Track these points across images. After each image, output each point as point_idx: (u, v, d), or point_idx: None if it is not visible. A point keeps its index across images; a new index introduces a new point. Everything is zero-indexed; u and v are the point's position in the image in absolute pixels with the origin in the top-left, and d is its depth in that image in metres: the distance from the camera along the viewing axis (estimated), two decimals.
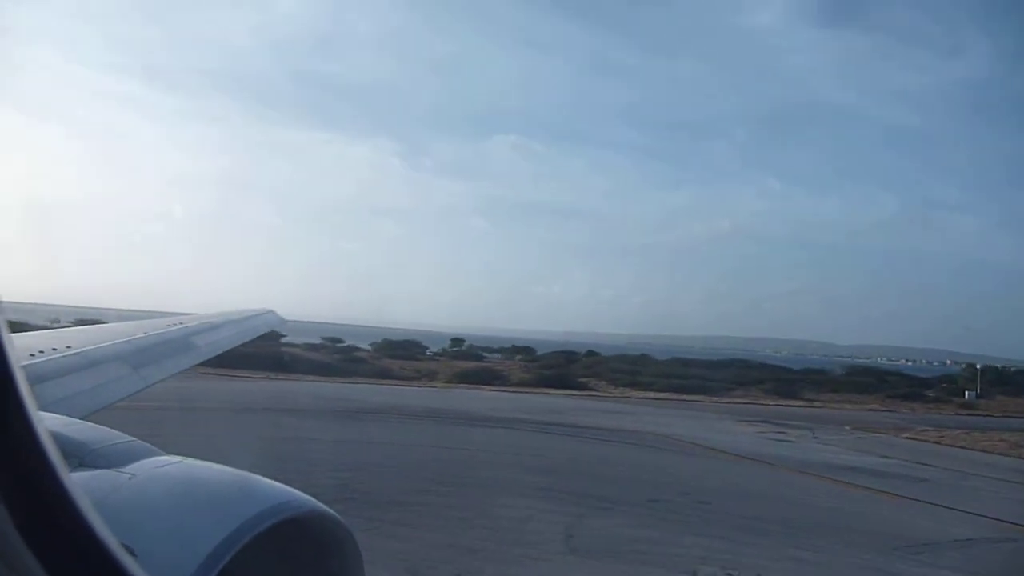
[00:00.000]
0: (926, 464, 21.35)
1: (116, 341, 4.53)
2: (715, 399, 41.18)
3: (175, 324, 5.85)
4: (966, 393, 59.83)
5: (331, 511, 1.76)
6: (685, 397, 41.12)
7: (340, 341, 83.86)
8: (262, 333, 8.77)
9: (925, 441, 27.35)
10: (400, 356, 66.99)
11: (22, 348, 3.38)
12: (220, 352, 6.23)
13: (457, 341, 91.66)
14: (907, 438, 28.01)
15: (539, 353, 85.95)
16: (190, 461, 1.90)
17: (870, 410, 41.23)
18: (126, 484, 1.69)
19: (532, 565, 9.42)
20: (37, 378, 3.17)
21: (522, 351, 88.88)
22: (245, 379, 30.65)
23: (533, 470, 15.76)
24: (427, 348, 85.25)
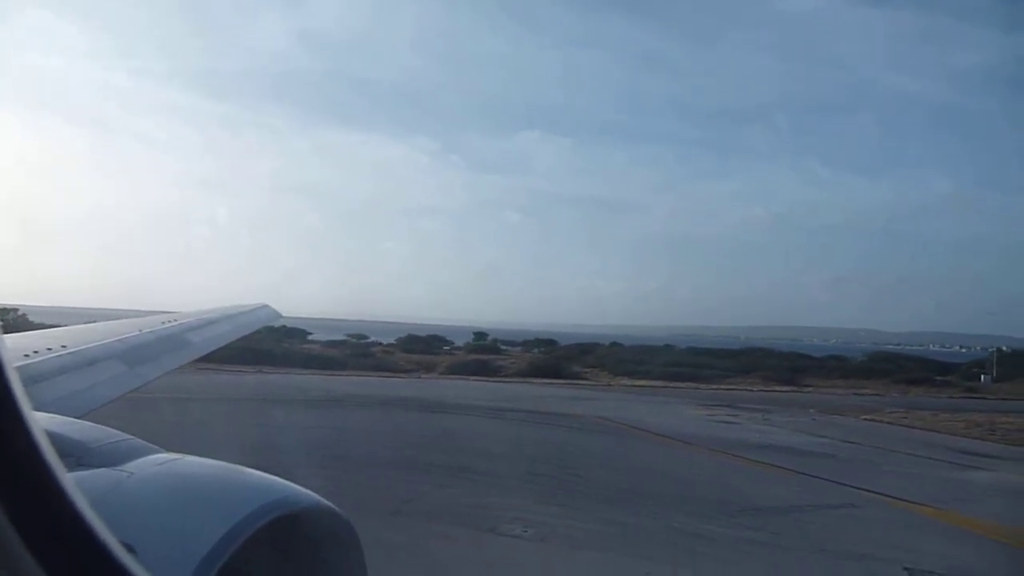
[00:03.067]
0: (853, 443, 21.80)
1: (111, 339, 4.56)
2: (702, 386, 41.64)
3: (170, 321, 5.94)
4: (982, 377, 58.83)
5: (332, 505, 1.77)
6: (673, 384, 41.68)
7: (364, 337, 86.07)
8: (258, 328, 8.97)
9: (882, 422, 27.61)
10: (419, 351, 68.39)
11: (16, 348, 3.51)
12: (216, 347, 6.33)
13: (480, 335, 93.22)
14: (866, 419, 28.29)
15: (561, 346, 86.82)
16: (188, 458, 1.90)
17: (858, 394, 41.18)
18: (124, 482, 1.68)
19: None
20: (32, 378, 3.20)
21: (543, 344, 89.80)
22: (232, 373, 32.29)
23: (431, 448, 16.93)
24: (451, 343, 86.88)
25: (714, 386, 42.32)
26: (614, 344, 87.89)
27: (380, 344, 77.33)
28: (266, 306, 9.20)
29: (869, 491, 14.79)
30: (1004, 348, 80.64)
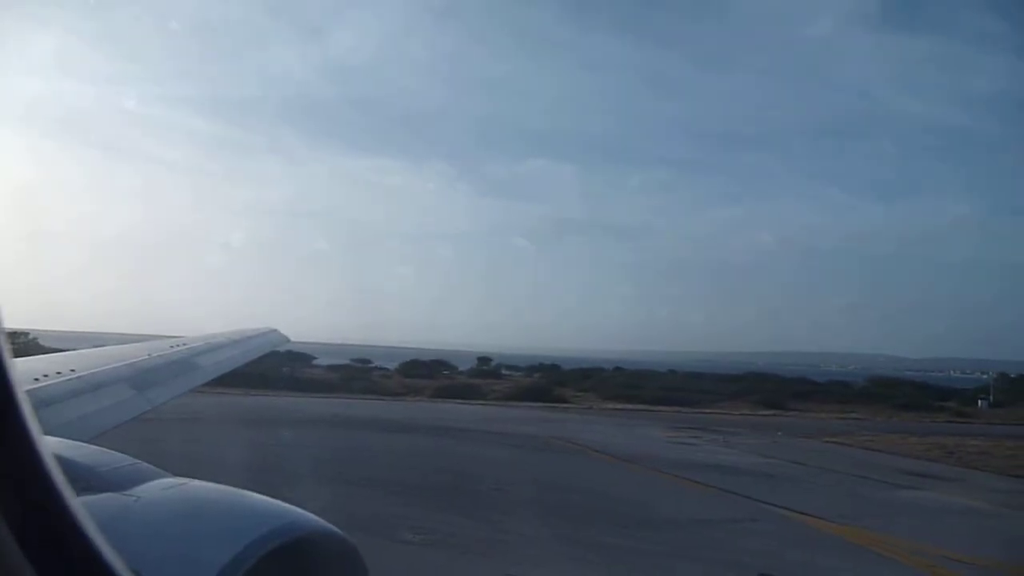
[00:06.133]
0: (799, 463, 22.21)
1: (120, 364, 4.59)
2: (686, 410, 41.98)
3: (180, 345, 6.02)
4: (979, 402, 58.42)
5: (337, 530, 1.81)
6: (657, 408, 42.07)
7: (368, 362, 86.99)
8: (266, 352, 9.05)
9: (844, 445, 27.91)
10: (420, 375, 69.14)
11: (26, 372, 3.57)
12: (224, 371, 6.39)
13: (484, 360, 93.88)
14: (829, 441, 28.59)
15: (563, 370, 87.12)
16: (196, 483, 1.93)
17: (842, 418, 41.32)
18: (132, 507, 1.70)
19: None
20: (41, 402, 3.23)
21: (546, 369, 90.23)
22: (219, 395, 32.96)
23: (371, 465, 17.71)
24: (455, 367, 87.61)
25: (698, 410, 42.62)
26: (617, 369, 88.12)
27: (382, 369, 78.33)
28: (275, 331, 9.45)
29: (781, 507, 15.29)
30: (1011, 374, 79.90)
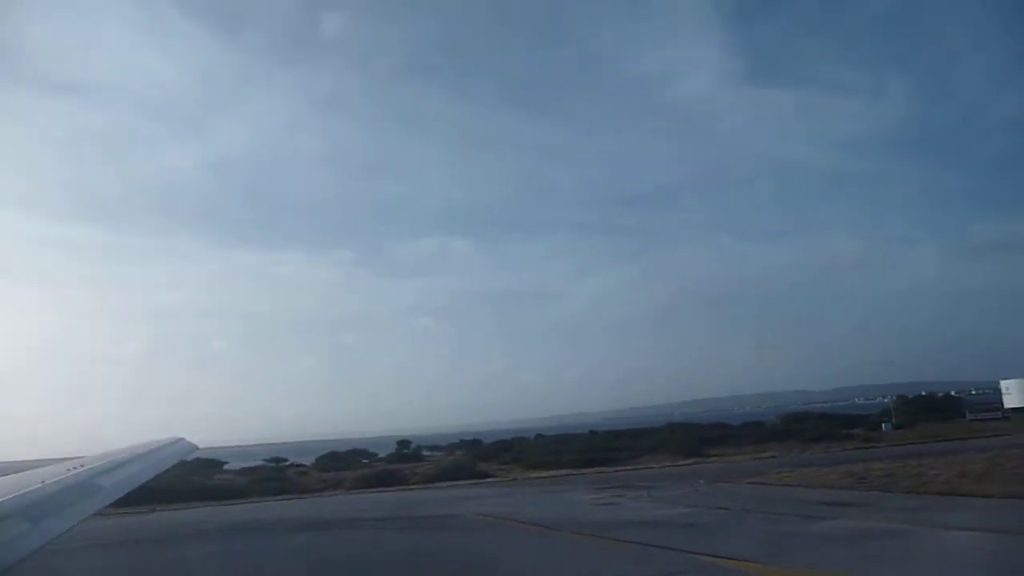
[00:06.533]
0: (723, 508, 22.30)
1: (9, 496, 4.22)
2: (608, 469, 41.98)
3: (78, 467, 5.58)
4: (883, 426, 61.11)
5: None
6: (581, 471, 41.89)
7: (283, 460, 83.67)
8: (173, 463, 8.50)
9: (763, 484, 28.33)
10: (337, 468, 67.03)
11: None
12: (129, 489, 5.86)
13: (404, 443, 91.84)
14: (749, 483, 28.98)
15: (485, 444, 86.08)
16: None
17: (758, 458, 42.14)
18: None
19: None
20: None
21: (468, 445, 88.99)
22: (122, 515, 30.63)
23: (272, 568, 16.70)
24: (374, 455, 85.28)
25: (621, 467, 42.69)
26: (538, 436, 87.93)
27: (297, 466, 75.40)
28: (181, 439, 9.05)
29: (709, 555, 15.14)
30: (908, 395, 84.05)
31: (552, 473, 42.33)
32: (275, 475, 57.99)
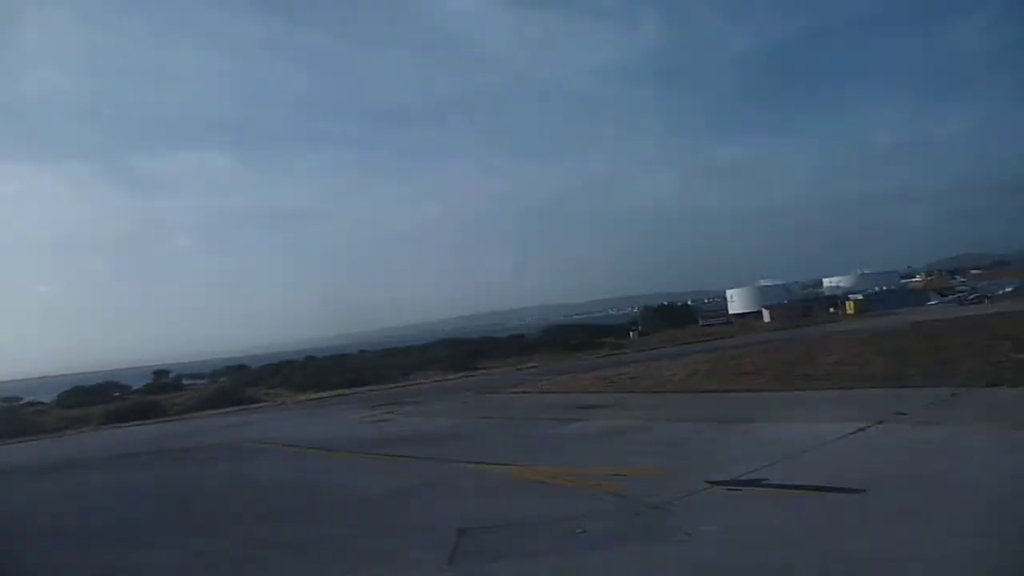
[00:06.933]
0: (487, 418, 23.53)
1: None
2: (378, 388, 42.43)
3: None
4: (630, 333, 67.62)
5: None
6: (352, 391, 41.96)
7: (17, 400, 75.55)
8: None
9: (526, 392, 30.22)
10: (86, 403, 61.34)
11: None
12: None
13: (161, 373, 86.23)
14: (514, 392, 30.76)
15: (252, 369, 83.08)
16: None
17: (520, 370, 44.72)
18: None
19: None
20: None
21: (233, 371, 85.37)
22: None
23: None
24: (128, 387, 79.31)
25: (392, 385, 43.29)
26: (309, 358, 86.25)
27: (36, 404, 68.37)
28: None
29: (474, 463, 15.89)
30: (653, 306, 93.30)
31: (323, 395, 42.00)
32: (5, 416, 52.07)
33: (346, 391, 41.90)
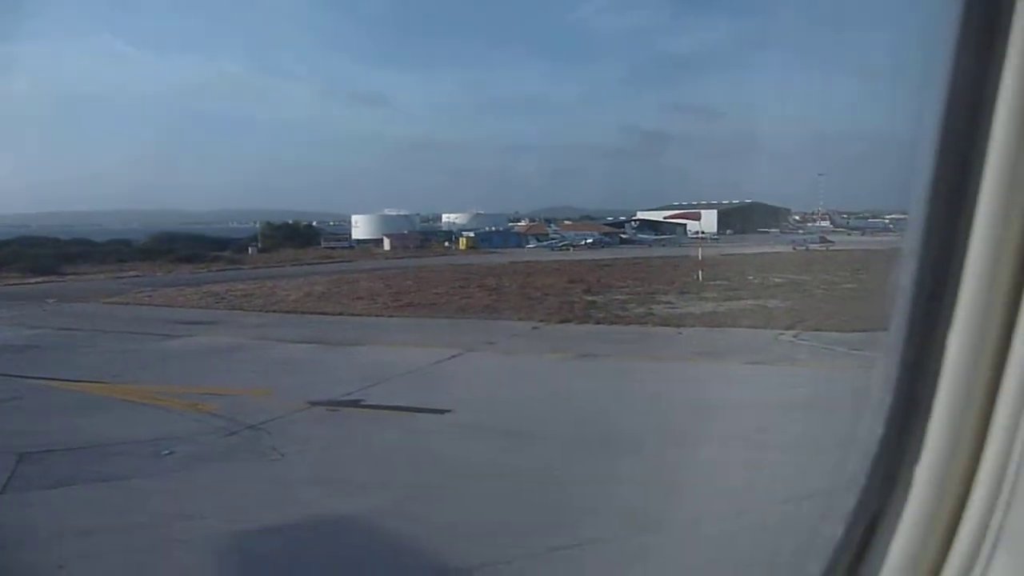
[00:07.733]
0: (72, 330, 21.17)
1: None
2: None
3: None
4: (249, 249, 65.25)
5: None
6: None
7: None
8: None
9: (122, 304, 27.65)
10: None
11: None
12: None
13: None
14: (107, 303, 27.94)
15: None
16: None
17: (120, 277, 40.64)
18: None
19: None
20: None
21: None
22: None
23: None
24: None
25: None
26: None
27: None
28: None
29: (50, 379, 14.44)
30: (275, 223, 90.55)
31: None
32: None
33: None
